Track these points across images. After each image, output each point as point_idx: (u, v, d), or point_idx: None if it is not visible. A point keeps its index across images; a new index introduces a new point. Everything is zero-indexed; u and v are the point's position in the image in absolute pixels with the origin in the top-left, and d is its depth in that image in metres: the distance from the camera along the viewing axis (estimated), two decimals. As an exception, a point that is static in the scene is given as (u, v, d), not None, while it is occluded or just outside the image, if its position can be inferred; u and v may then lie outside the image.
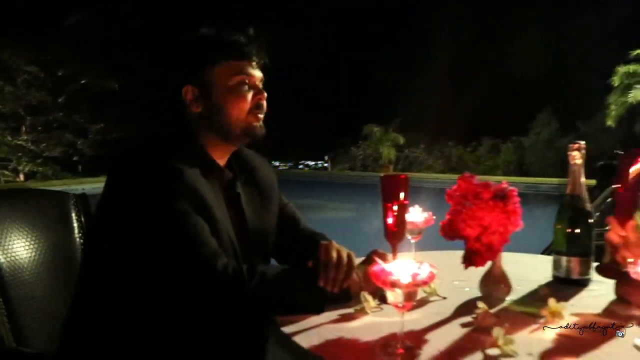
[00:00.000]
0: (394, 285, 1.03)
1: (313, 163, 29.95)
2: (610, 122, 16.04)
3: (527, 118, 22.24)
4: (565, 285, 1.57)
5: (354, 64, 30.63)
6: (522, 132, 22.28)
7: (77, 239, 1.81)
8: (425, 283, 1.03)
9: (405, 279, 1.02)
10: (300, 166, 29.98)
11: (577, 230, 1.59)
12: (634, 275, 1.13)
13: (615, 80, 15.44)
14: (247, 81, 1.50)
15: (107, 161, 15.09)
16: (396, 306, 1.06)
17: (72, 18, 16.33)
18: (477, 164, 22.79)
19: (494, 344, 1.09)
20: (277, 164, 29.23)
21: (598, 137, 17.93)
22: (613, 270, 1.46)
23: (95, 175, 15.05)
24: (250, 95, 1.50)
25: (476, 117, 25.14)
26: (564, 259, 1.60)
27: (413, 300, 1.08)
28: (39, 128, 15.54)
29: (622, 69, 15.43)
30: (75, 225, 1.82)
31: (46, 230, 1.74)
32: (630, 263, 1.14)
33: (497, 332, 1.10)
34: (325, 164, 26.67)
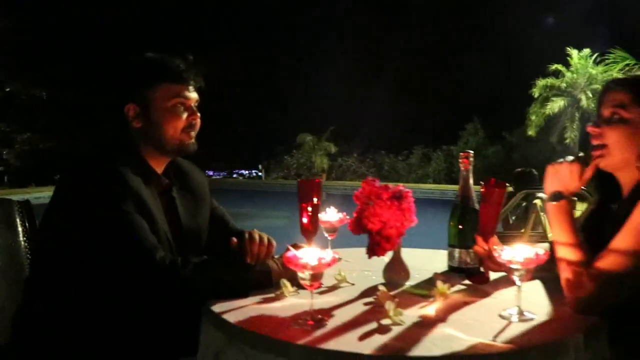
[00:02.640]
0: (303, 267, 1.27)
1: (247, 172, 29.94)
2: (530, 132, 16.98)
3: (456, 128, 23.07)
4: (457, 273, 1.85)
5: (287, 73, 31.01)
6: (452, 141, 23.06)
7: (22, 242, 1.96)
8: (328, 265, 1.28)
9: (312, 261, 1.26)
10: (235, 175, 29.90)
11: (466, 226, 1.86)
12: (499, 260, 1.41)
13: (535, 92, 16.41)
14: (183, 103, 1.71)
15: (35, 172, 14.71)
16: (306, 285, 1.30)
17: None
18: (409, 172, 23.43)
19: (387, 316, 1.34)
20: (210, 173, 29.08)
21: (522, 146, 18.91)
22: (479, 277, 1.75)
23: (22, 186, 14.63)
24: (185, 116, 1.72)
25: (408, 127, 25.93)
26: (456, 251, 1.88)
27: (319, 280, 1.31)
28: (-40, 138, 15.01)
29: (541, 82, 16.43)
30: (20, 229, 1.98)
31: (-8, 234, 1.88)
32: (494, 250, 1.42)
33: (388, 305, 1.35)
34: (260, 173, 26.73)
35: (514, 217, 6.05)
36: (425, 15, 31.39)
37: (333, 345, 1.19)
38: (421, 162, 23.73)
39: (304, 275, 1.28)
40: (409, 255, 1.96)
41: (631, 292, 1.42)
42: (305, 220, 1.66)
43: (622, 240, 1.42)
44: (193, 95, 1.76)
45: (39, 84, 15.93)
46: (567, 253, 1.49)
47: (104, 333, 1.57)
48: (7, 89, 15.84)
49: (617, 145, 1.56)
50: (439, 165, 22.94)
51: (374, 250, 1.63)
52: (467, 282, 1.75)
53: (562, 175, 1.61)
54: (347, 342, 1.20)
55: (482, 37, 27.31)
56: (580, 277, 1.44)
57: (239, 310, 1.41)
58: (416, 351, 1.16)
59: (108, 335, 1.57)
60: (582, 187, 1.64)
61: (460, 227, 1.88)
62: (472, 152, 1.92)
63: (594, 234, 1.60)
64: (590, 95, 15.75)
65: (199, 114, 1.77)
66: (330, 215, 1.97)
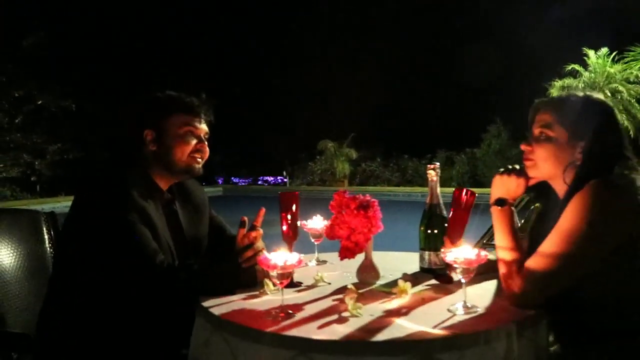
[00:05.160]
0: (273, 267, 1.52)
1: (272, 179, 30.23)
2: (550, 133, 16.93)
3: (480, 130, 22.99)
4: (426, 274, 2.08)
5: (310, 79, 31.28)
6: (475, 144, 22.98)
7: (48, 248, 2.26)
8: (293, 266, 1.53)
9: (279, 262, 1.52)
10: (260, 182, 30.22)
11: (435, 231, 2.09)
12: (446, 260, 1.64)
13: (553, 93, 16.36)
14: (193, 132, 2.00)
15: (65, 181, 15.22)
16: (276, 283, 1.56)
17: (28, 39, 16.35)
18: (433, 175, 23.38)
19: (347, 309, 1.58)
20: (236, 180, 29.49)
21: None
22: (444, 278, 1.97)
23: (53, 195, 15.15)
24: (194, 143, 2.01)
25: (431, 130, 25.95)
26: (425, 254, 2.11)
27: (288, 278, 1.57)
28: (-4, 149, 15.55)
29: (558, 83, 16.37)
30: (46, 237, 2.28)
31: (23, 242, 2.19)
32: (443, 252, 1.65)
33: (347, 300, 1.59)
34: (285, 179, 26.98)
35: (522, 220, 6.20)
36: (443, 19, 31.47)
37: (295, 332, 1.43)
38: (444, 166, 23.65)
39: (273, 274, 1.54)
40: (389, 257, 2.22)
41: (559, 288, 1.64)
42: (285, 228, 1.92)
43: (549, 243, 1.64)
44: (203, 127, 2.05)
45: (68, 96, 16.44)
46: (505, 254, 1.72)
47: (114, 327, 1.85)
48: (39, 102, 16.36)
49: (544, 160, 1.78)
50: (462, 168, 22.85)
51: (344, 254, 1.87)
52: (433, 281, 1.98)
53: (509, 185, 1.85)
54: (307, 330, 1.45)
55: (501, 38, 27.26)
56: (515, 275, 1.66)
57: (224, 304, 1.67)
58: (360, 337, 1.40)
59: (117, 329, 1.85)
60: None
61: (429, 231, 2.10)
62: (438, 163, 2.14)
63: (537, 237, 1.82)
64: (609, 94, 15.62)
65: (206, 144, 2.06)
66: (316, 222, 2.22)
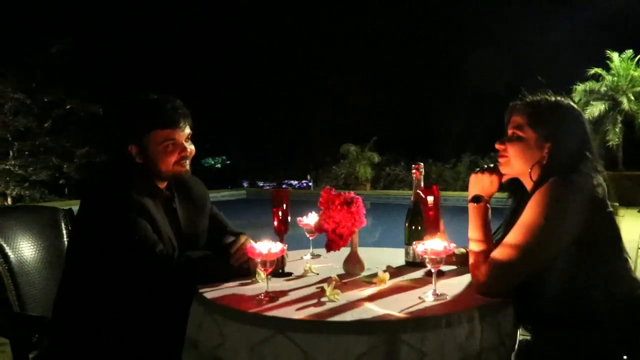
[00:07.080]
0: (258, 255, 1.70)
1: (297, 182, 30.37)
2: (572, 137, 16.70)
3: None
4: (411, 267, 2.23)
5: (335, 84, 31.44)
6: (499, 149, 22.82)
7: (65, 242, 2.47)
8: (276, 255, 1.71)
9: (264, 251, 1.70)
10: (284, 186, 30.36)
11: (418, 227, 2.24)
12: (417, 251, 1.80)
13: (576, 97, 16.06)
14: (173, 143, 2.12)
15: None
16: (260, 269, 1.74)
17: (56, 45, 16.74)
18: (456, 180, 23.32)
19: (326, 295, 1.75)
20: (261, 184, 29.73)
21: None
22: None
23: (79, 198, 15.52)
24: (176, 152, 2.14)
25: (456, 135, 25.90)
26: (410, 248, 2.26)
27: (272, 266, 1.74)
28: (26, 153, 15.82)
29: (580, 87, 16.12)
30: (64, 232, 2.50)
31: (42, 235, 2.41)
32: (415, 244, 1.81)
33: (326, 286, 1.76)
34: (310, 183, 27.07)
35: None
36: (466, 24, 31.39)
37: (274, 313, 1.61)
38: (469, 170, 23.52)
39: (259, 261, 1.72)
40: (380, 252, 2.38)
41: (521, 277, 1.78)
42: (276, 223, 2.10)
43: (512, 236, 1.79)
44: (183, 132, 2.15)
45: (95, 101, 16.78)
46: (475, 245, 1.87)
47: (120, 312, 2.04)
48: (68, 107, 16.73)
49: (515, 158, 1.94)
50: (486, 172, 22.62)
51: (330, 246, 2.04)
52: (414, 273, 2.13)
53: (483, 182, 2.00)
54: (286, 312, 1.62)
55: (525, 42, 27.12)
56: (481, 265, 1.81)
57: (217, 290, 1.86)
58: (332, 318, 1.57)
59: (123, 314, 2.04)
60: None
61: (413, 227, 2.26)
62: (422, 164, 2.30)
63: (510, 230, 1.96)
64: (633, 98, 15.37)
65: (189, 147, 2.18)
66: (311, 219, 2.39)
